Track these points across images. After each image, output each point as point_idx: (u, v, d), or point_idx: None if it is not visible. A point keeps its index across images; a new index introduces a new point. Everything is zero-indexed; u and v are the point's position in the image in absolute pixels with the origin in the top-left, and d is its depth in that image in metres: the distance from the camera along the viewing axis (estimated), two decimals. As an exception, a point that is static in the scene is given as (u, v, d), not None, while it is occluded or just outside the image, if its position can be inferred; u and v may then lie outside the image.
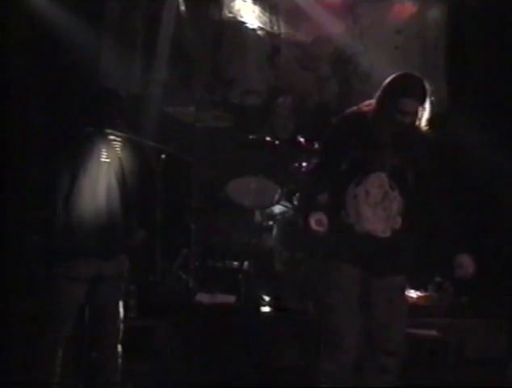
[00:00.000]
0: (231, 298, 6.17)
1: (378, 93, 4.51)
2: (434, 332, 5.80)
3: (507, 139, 6.50)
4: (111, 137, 4.79)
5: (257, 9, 7.52)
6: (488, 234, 6.82)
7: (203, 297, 6.17)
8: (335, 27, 7.41)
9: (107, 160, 4.75)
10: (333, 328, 4.47)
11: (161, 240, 6.52)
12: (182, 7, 7.25)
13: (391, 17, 7.47)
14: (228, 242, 6.64)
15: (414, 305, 6.16)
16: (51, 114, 6.14)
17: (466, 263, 4.51)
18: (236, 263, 6.54)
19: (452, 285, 6.28)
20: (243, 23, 7.48)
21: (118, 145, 4.82)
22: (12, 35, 5.30)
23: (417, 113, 4.45)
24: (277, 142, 6.70)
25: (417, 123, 4.49)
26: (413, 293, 6.26)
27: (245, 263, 6.43)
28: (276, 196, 6.58)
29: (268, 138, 6.76)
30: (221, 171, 6.79)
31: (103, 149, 4.75)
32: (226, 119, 6.92)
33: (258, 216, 6.72)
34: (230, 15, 7.45)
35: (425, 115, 4.52)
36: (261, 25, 7.52)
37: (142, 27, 7.22)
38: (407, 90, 4.43)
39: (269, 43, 7.55)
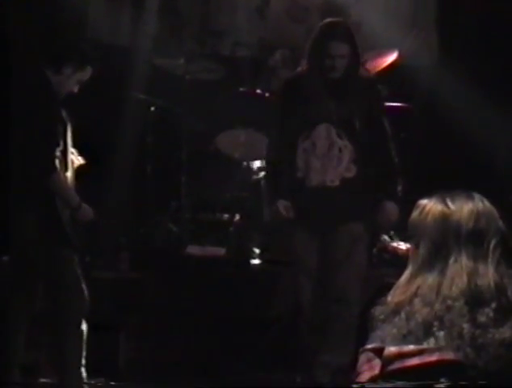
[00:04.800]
0: (221, 250, 6.20)
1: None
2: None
3: (497, 92, 6.48)
4: None
5: (246, -40, 7.43)
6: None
7: (193, 249, 6.19)
8: (325, -22, 7.33)
9: None
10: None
11: (151, 192, 6.54)
12: (171, -42, 7.17)
13: (382, -34, 7.39)
14: (219, 195, 6.64)
15: (405, 256, 6.17)
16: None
17: (389, 210, 4.58)
18: (226, 215, 6.55)
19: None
20: (232, -26, 7.40)
21: None
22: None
23: (346, 56, 4.52)
24: (267, 94, 6.67)
25: (356, 69, 4.58)
26: (402, 245, 6.28)
27: (236, 215, 6.44)
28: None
29: (259, 90, 6.73)
30: (211, 124, 6.77)
31: None
32: (216, 71, 6.89)
33: (248, 168, 6.71)
34: (219, -34, 7.37)
35: (359, 60, 4.62)
36: (250, -24, 7.43)
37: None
38: (329, 33, 4.56)
39: (258, -6, 7.47)
